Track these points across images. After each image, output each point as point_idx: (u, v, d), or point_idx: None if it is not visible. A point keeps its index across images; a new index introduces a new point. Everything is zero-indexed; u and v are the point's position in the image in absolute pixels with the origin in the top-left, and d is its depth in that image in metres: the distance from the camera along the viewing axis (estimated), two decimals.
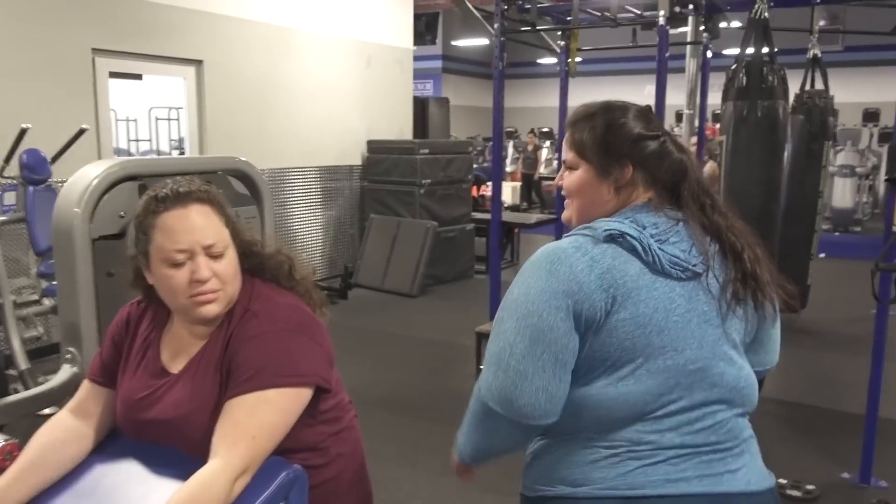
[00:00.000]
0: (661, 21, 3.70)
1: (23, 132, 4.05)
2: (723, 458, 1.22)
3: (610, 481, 1.20)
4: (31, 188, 4.11)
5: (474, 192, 9.36)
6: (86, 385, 1.49)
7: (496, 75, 4.36)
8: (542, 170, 14.54)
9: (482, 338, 4.56)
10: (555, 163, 12.67)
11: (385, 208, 7.54)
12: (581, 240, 1.24)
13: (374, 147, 7.71)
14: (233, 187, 2.47)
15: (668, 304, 1.20)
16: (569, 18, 5.12)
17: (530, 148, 14.68)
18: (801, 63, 5.19)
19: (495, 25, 4.34)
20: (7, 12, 4.78)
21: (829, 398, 4.33)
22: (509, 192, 13.06)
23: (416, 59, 8.78)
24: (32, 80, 4.90)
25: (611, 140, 1.29)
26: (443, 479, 3.22)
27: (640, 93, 7.48)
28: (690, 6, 4.80)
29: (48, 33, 4.98)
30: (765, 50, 3.67)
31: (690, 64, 7.08)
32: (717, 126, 10.05)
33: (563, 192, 1.38)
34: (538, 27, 4.96)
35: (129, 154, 8.18)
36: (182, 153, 6.84)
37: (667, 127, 1.62)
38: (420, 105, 8.87)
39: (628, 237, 1.21)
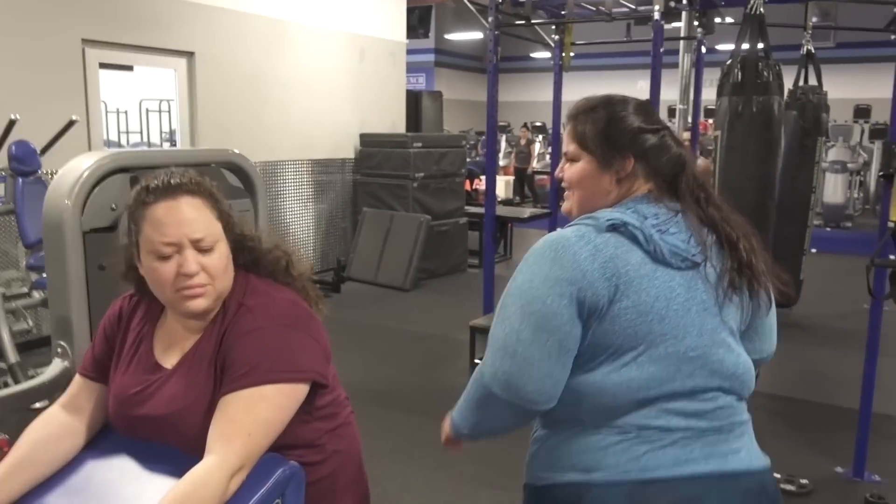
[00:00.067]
0: (656, 16, 3.70)
1: (11, 123, 4.00)
2: (726, 440, 1.27)
3: (623, 465, 1.22)
4: (20, 180, 4.07)
5: (467, 186, 9.35)
6: (77, 380, 1.47)
7: (490, 69, 4.34)
8: (535, 164, 14.54)
9: (476, 332, 4.55)
10: (548, 157, 12.66)
11: (378, 202, 7.52)
12: (584, 229, 1.26)
13: (367, 140, 7.69)
14: (226, 180, 2.46)
15: (668, 293, 1.23)
16: (563, 12, 5.12)
17: (523, 142, 14.64)
18: (794, 59, 5.19)
19: (490, 19, 4.33)
20: None
21: (822, 393, 4.35)
22: (502, 186, 13.06)
23: (409, 52, 8.76)
24: (22, 70, 4.85)
25: (612, 132, 1.33)
26: (437, 474, 3.22)
27: (632, 88, 7.46)
28: (685, 1, 4.81)
29: (38, 24, 4.93)
30: (760, 45, 3.66)
31: (684, 59, 7.08)
32: (710, 121, 10.08)
33: (563, 184, 1.41)
34: (532, 21, 4.96)
35: (120, 146, 8.11)
36: (173, 146, 6.79)
37: None
38: (413, 98, 8.85)
39: (630, 227, 1.24)
